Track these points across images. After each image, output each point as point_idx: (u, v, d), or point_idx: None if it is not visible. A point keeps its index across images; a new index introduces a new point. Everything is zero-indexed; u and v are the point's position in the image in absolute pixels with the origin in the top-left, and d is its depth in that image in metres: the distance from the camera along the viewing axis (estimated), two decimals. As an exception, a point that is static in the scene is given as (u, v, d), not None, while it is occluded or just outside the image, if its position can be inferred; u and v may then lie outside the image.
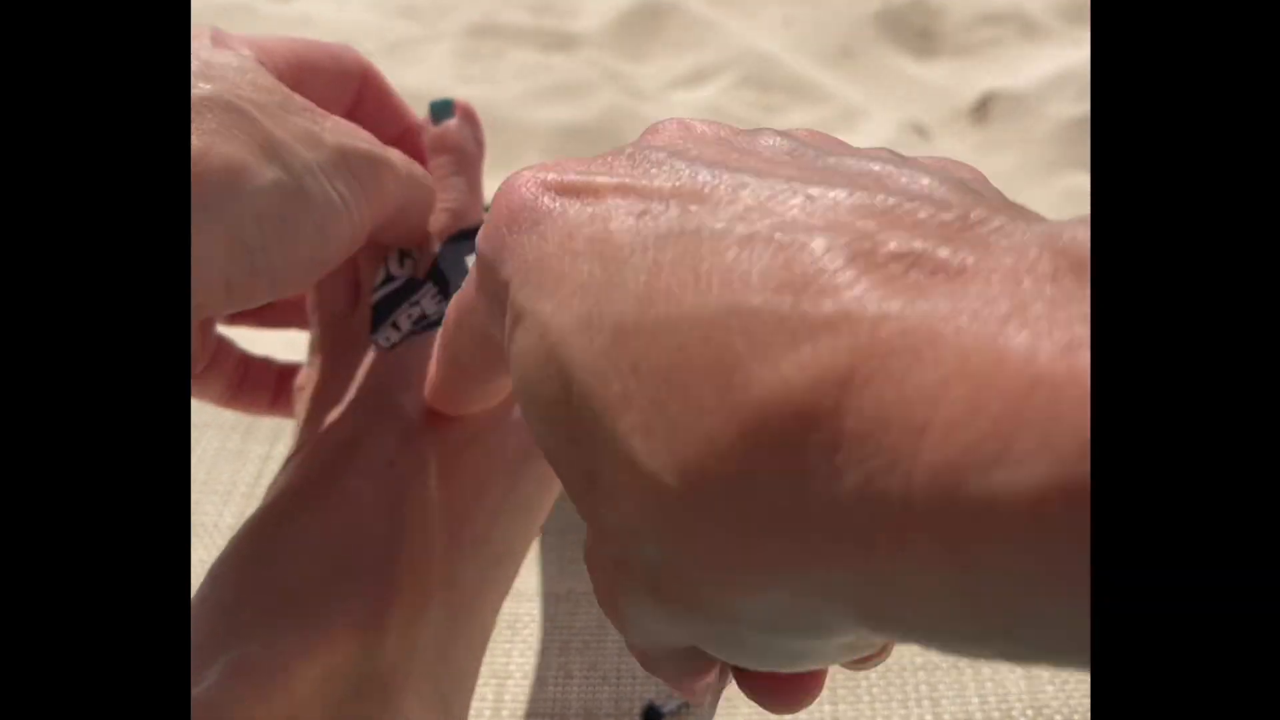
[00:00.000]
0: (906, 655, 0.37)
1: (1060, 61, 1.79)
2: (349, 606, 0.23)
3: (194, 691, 0.21)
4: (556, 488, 0.27)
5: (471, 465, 0.25)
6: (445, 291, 0.30)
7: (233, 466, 0.46)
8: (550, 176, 0.16)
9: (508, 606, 0.39)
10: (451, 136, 0.32)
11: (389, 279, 0.31)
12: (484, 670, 0.37)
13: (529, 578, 0.40)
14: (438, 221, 0.31)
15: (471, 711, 0.35)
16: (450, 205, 0.31)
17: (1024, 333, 0.11)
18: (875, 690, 0.36)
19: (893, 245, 0.12)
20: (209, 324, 0.30)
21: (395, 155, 0.27)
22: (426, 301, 0.30)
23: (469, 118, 0.33)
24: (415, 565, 0.24)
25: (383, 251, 0.31)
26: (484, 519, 0.25)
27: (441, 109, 0.32)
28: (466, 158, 0.32)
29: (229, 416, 0.48)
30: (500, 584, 0.26)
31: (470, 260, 0.30)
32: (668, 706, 0.35)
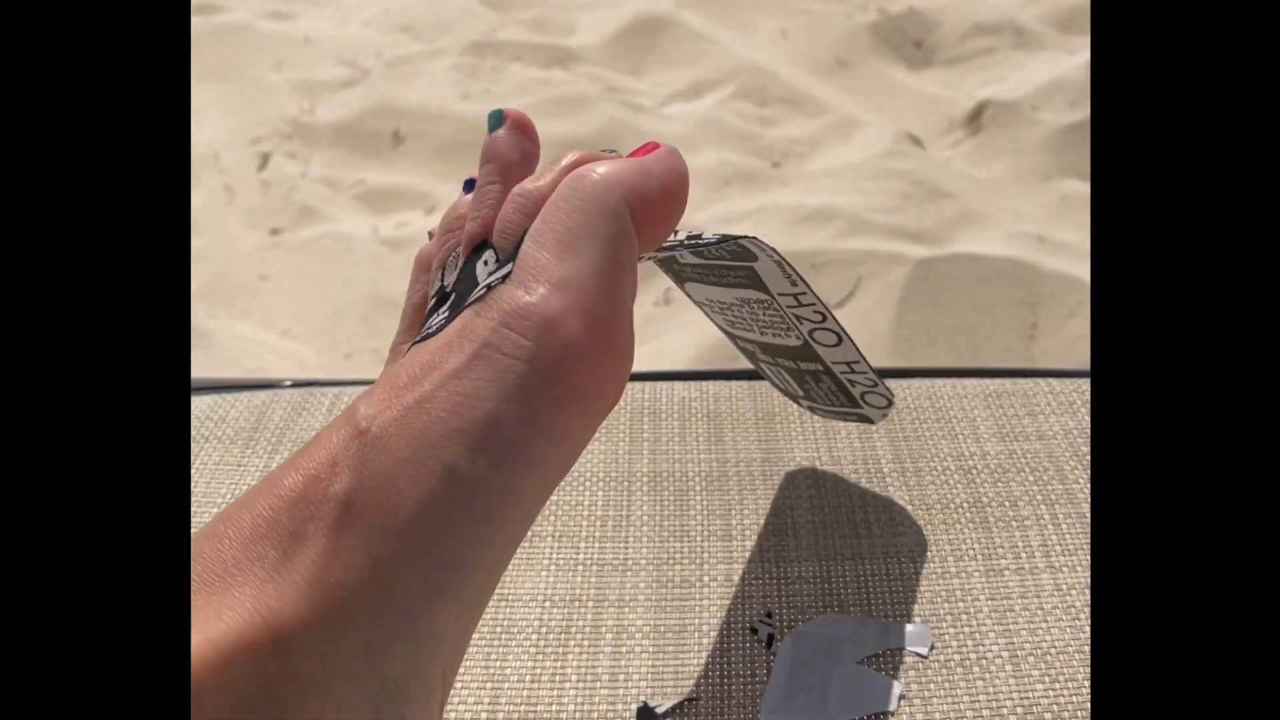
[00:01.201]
0: (899, 655, 0.38)
1: (1053, 70, 1.80)
2: (262, 599, 0.23)
3: None
4: (528, 509, 0.27)
5: (418, 471, 0.25)
6: (451, 306, 0.29)
7: (232, 479, 0.46)
8: None
9: (502, 611, 0.40)
10: (495, 145, 0.33)
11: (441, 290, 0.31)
12: (479, 675, 0.37)
13: (523, 581, 0.41)
14: (467, 231, 0.31)
15: (468, 715, 0.36)
16: (480, 215, 0.32)
17: None
18: (866, 690, 0.37)
19: None
20: None
21: None
22: (434, 316, 0.30)
23: (519, 126, 0.33)
24: (339, 563, 0.24)
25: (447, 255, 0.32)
26: (428, 526, 0.25)
27: (495, 118, 0.34)
28: (507, 166, 0.33)
29: (229, 430, 0.49)
30: (451, 594, 0.25)
31: (480, 268, 0.30)
32: (662, 707, 0.36)
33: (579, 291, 0.27)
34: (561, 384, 0.26)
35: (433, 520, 0.24)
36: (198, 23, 1.91)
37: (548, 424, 0.26)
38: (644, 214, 0.29)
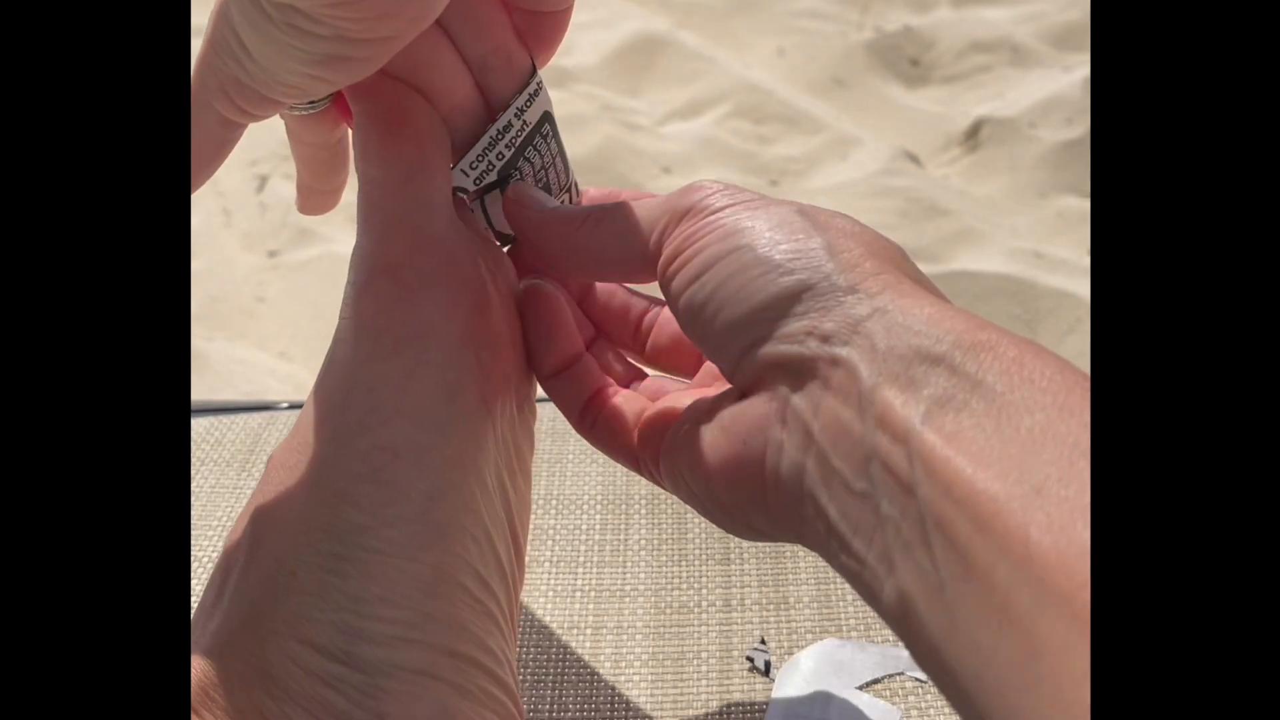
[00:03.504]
0: (898, 679, 0.37)
1: (1050, 87, 1.81)
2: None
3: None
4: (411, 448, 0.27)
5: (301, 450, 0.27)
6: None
7: (229, 502, 0.46)
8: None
9: (500, 638, 0.39)
10: None
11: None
12: (477, 703, 0.37)
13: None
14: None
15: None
16: None
17: None
18: (867, 716, 0.36)
19: None
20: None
21: None
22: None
23: None
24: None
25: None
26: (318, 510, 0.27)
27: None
28: None
29: (225, 453, 0.49)
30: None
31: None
32: (660, 736, 0.36)
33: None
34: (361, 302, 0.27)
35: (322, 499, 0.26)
36: (197, 45, 1.92)
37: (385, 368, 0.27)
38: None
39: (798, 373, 0.24)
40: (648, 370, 0.35)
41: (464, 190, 0.30)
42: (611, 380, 0.33)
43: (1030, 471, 0.19)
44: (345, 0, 0.22)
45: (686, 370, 0.34)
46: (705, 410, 0.27)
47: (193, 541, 0.44)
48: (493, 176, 0.30)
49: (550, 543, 0.44)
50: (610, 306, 0.35)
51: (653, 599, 0.41)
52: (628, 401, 0.31)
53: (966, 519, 0.19)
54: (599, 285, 0.35)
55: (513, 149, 0.30)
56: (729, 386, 0.27)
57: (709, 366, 0.32)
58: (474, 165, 0.30)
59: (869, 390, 0.22)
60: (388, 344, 0.27)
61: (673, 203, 0.28)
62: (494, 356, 0.28)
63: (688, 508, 0.45)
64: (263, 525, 0.27)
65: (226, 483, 0.47)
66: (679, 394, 0.31)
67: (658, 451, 0.29)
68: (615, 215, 0.29)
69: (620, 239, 0.29)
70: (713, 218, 0.27)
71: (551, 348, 0.31)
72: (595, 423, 0.31)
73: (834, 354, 0.23)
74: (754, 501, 0.25)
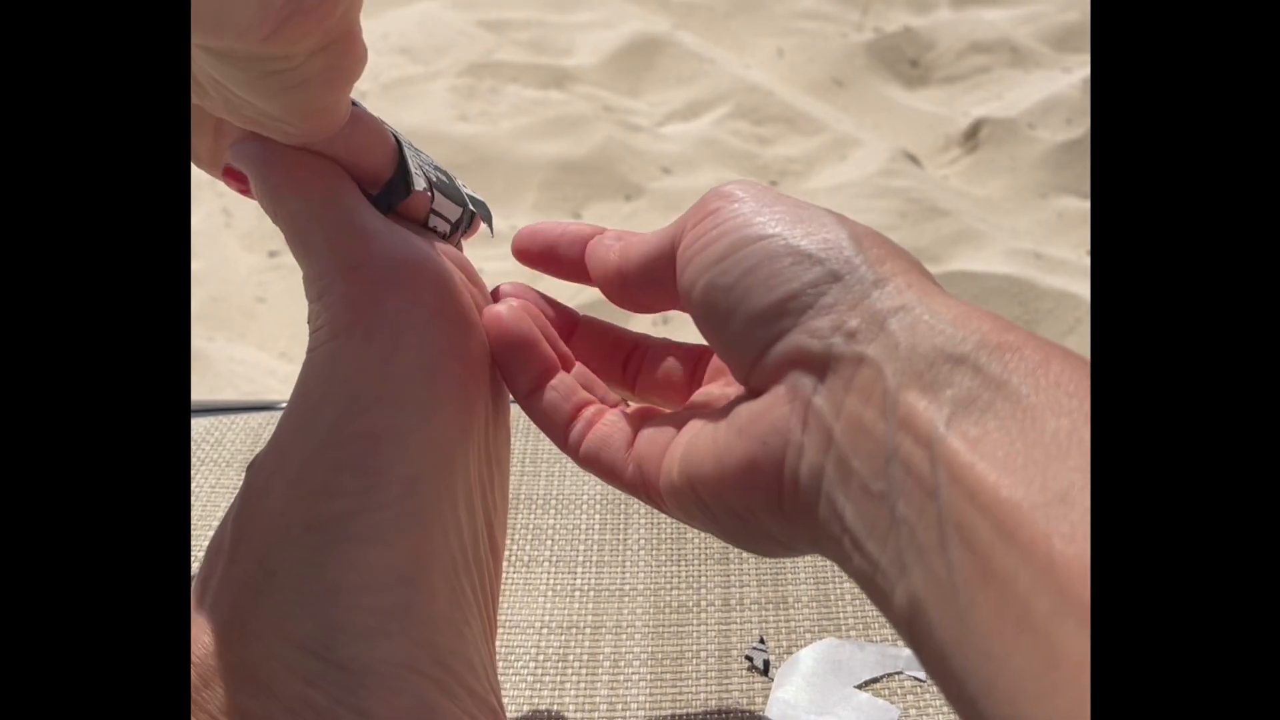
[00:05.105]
0: (897, 679, 0.37)
1: (1049, 88, 1.81)
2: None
3: None
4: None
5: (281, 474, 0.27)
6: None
7: (228, 502, 0.46)
8: None
9: (498, 639, 0.39)
10: None
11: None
12: (476, 702, 0.37)
13: (519, 608, 0.41)
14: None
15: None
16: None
17: None
18: None
19: None
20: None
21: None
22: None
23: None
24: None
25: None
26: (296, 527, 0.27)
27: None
28: None
29: (225, 453, 0.49)
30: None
31: None
32: (659, 735, 0.36)
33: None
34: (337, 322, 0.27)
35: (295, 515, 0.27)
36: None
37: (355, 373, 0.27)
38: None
39: (821, 371, 0.24)
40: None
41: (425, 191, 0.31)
42: (595, 399, 0.31)
43: (1054, 478, 0.19)
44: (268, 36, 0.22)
45: (677, 405, 0.32)
46: (716, 415, 0.26)
47: (193, 542, 0.44)
48: (423, 179, 0.31)
49: (550, 542, 0.44)
50: (598, 343, 0.33)
51: (652, 598, 0.41)
52: (618, 421, 0.30)
53: (989, 525, 0.19)
54: (585, 323, 0.33)
55: (412, 149, 0.31)
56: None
57: (700, 395, 0.31)
58: (417, 170, 0.30)
59: (893, 391, 0.22)
60: (359, 335, 0.27)
61: (696, 207, 0.28)
62: (467, 335, 0.28)
63: (687, 508, 0.45)
64: (243, 528, 0.27)
65: (226, 483, 0.47)
66: (677, 414, 0.30)
67: (657, 468, 0.28)
68: (635, 236, 0.30)
69: (645, 243, 0.29)
70: (736, 205, 0.26)
71: (521, 364, 0.30)
72: (583, 443, 0.30)
73: (859, 352, 0.23)
74: (769, 506, 0.25)
